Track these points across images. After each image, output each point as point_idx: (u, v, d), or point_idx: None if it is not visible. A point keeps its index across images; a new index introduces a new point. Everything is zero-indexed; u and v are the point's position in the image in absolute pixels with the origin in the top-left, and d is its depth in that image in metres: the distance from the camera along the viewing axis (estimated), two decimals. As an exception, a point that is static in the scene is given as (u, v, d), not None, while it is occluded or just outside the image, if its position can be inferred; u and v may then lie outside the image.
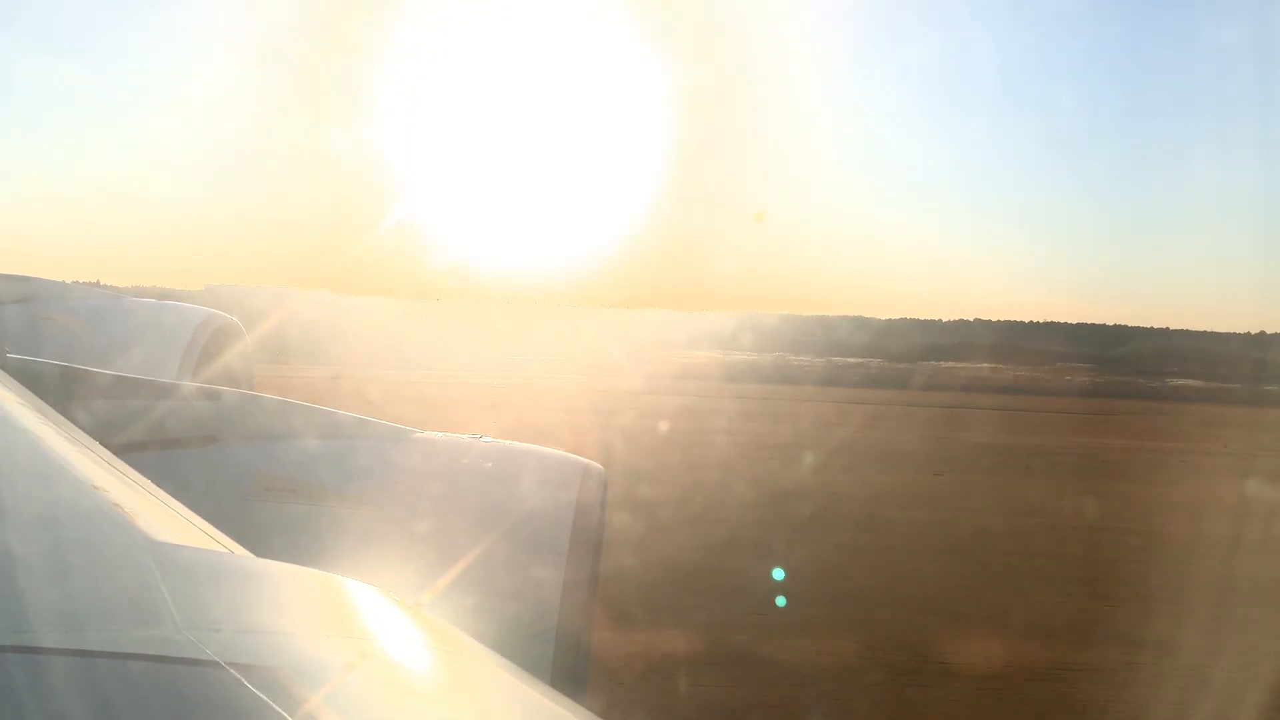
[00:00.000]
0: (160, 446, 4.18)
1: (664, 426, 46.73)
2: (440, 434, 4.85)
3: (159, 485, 3.04)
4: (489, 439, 4.74)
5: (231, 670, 1.65)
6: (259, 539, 2.98)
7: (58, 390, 4.09)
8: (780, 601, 19.43)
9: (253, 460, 4.30)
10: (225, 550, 2.53)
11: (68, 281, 8.67)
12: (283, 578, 2.33)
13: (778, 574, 20.77)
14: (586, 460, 4.67)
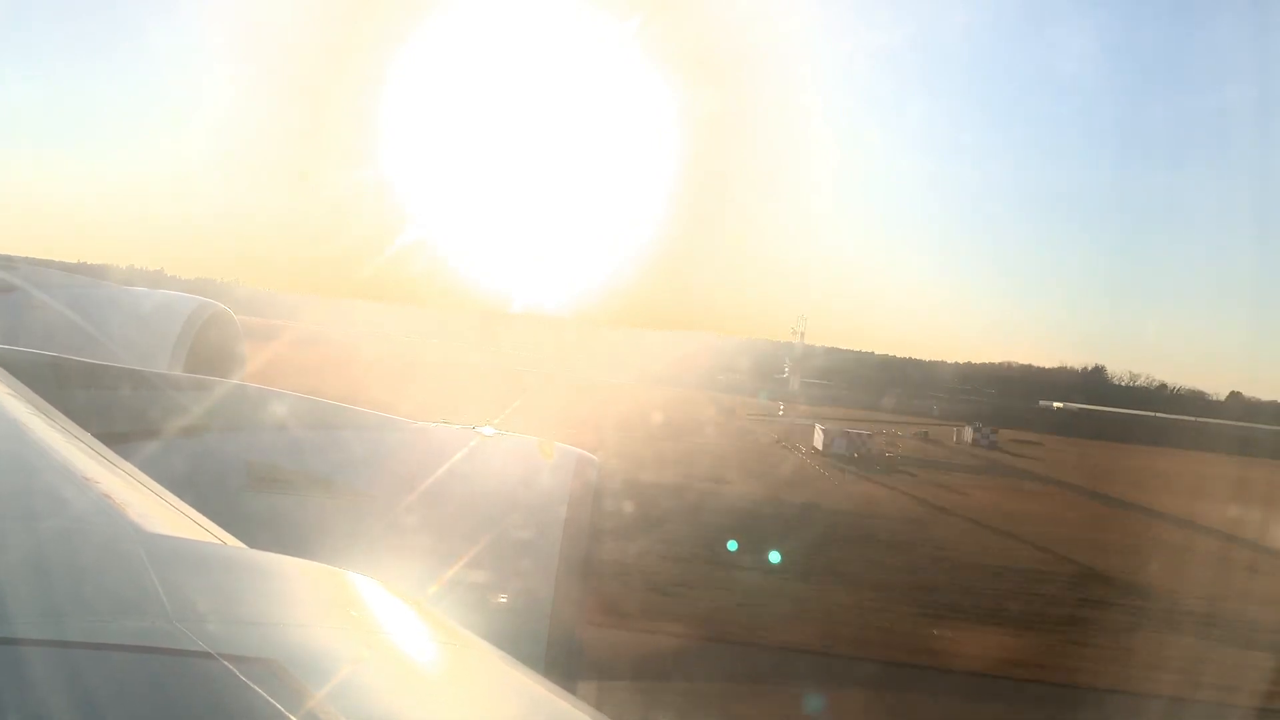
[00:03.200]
0: (152, 437, 4.14)
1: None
2: (434, 424, 4.83)
3: (150, 476, 3.02)
4: (485, 429, 4.72)
5: (224, 661, 1.64)
6: (251, 530, 2.96)
7: (48, 380, 4.04)
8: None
9: (245, 450, 4.27)
10: (217, 541, 2.52)
11: (56, 267, 8.56)
12: (275, 569, 2.31)
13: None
14: (580, 450, 4.66)
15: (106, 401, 4.30)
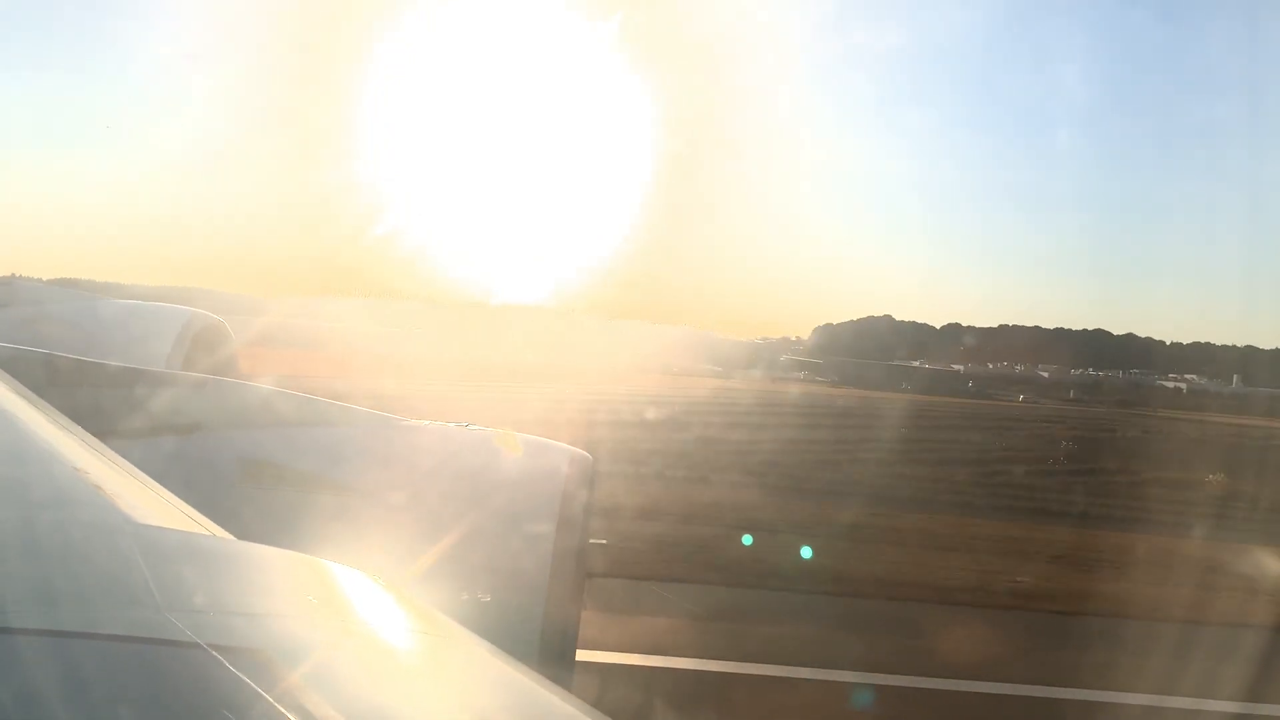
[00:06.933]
0: (143, 434, 4.14)
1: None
2: (427, 421, 4.82)
3: (142, 471, 3.01)
4: (476, 426, 4.71)
5: (212, 651, 1.63)
6: (243, 525, 2.95)
7: (40, 377, 4.03)
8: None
9: (237, 447, 4.26)
10: (208, 534, 2.51)
11: (44, 281, 8.53)
12: (266, 561, 2.30)
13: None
14: (573, 448, 4.65)
15: (98, 398, 4.29)
